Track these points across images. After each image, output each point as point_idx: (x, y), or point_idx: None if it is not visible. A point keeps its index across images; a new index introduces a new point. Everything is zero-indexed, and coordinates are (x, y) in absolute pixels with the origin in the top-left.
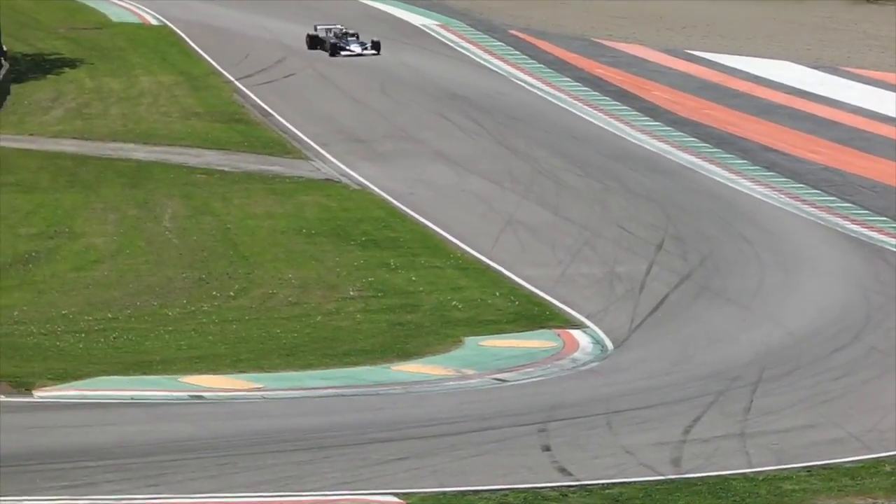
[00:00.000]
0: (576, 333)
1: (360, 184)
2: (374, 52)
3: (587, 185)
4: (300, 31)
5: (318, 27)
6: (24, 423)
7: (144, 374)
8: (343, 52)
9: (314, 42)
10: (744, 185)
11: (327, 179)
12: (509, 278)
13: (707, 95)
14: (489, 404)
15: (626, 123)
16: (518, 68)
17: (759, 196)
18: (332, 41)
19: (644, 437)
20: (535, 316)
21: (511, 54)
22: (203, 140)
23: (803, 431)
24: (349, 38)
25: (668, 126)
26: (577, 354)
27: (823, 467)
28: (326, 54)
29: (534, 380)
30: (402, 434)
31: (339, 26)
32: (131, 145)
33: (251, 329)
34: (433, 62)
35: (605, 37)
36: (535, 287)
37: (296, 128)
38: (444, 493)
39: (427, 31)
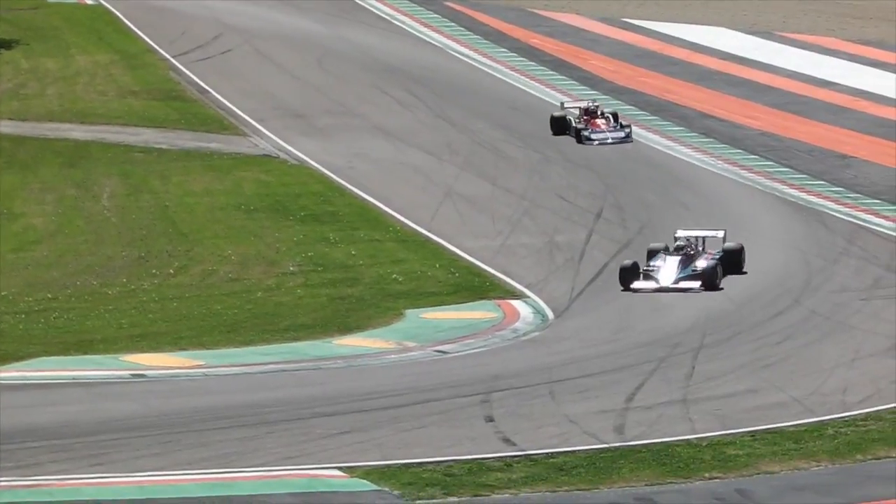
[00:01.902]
0: (516, 304)
1: (298, 159)
2: (628, 137)
3: (525, 156)
4: (236, 8)
5: (566, 106)
6: None
7: (85, 353)
8: (593, 140)
9: (559, 127)
10: (682, 152)
11: (265, 155)
12: (449, 250)
13: (644, 63)
14: (431, 376)
15: (564, 93)
16: (454, 40)
17: (697, 163)
18: (577, 126)
19: (587, 405)
20: (475, 287)
21: (447, 26)
22: (140, 118)
23: (746, 396)
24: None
25: (606, 95)
26: (518, 325)
27: (767, 431)
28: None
29: (475, 351)
30: (345, 408)
31: (592, 103)
32: (68, 125)
33: (192, 306)
34: (370, 36)
35: (541, 7)
36: (475, 258)
37: (233, 104)
38: (388, 466)
39: (363, 4)
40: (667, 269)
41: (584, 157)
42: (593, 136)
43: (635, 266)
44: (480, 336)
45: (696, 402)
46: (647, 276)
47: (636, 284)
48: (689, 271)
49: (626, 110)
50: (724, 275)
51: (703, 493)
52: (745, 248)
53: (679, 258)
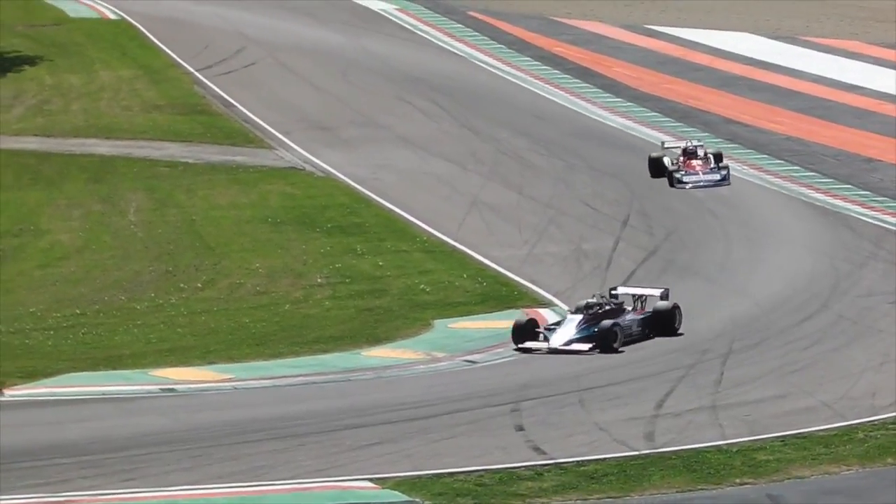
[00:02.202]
0: (544, 312)
1: (323, 171)
2: (724, 180)
3: (551, 164)
4: (259, 21)
5: (667, 146)
6: None
7: (114, 368)
8: (685, 184)
9: (656, 169)
10: None
11: (291, 167)
12: (476, 259)
13: (668, 70)
14: (460, 386)
15: (588, 101)
16: (478, 49)
17: None
18: (672, 168)
19: (616, 413)
20: (503, 296)
21: (471, 36)
22: (165, 133)
23: (775, 401)
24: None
25: (630, 102)
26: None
27: (796, 436)
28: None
29: (504, 360)
30: (375, 419)
31: (691, 143)
32: (93, 140)
33: (220, 320)
34: (393, 46)
35: (564, 15)
36: (503, 267)
37: (258, 117)
38: (419, 477)
39: (386, 15)
40: (563, 329)
41: (610, 164)
42: (685, 179)
43: (531, 324)
44: (509, 345)
45: (726, 409)
46: (543, 337)
47: (528, 344)
48: (588, 332)
49: (651, 117)
50: (652, 336)
51: (734, 499)
52: (680, 310)
53: (580, 317)
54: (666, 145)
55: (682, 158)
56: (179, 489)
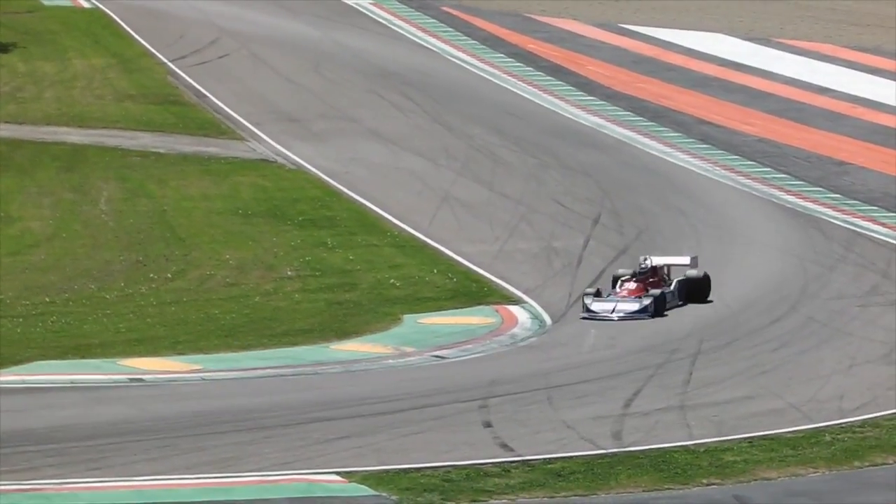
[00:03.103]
0: (514, 309)
1: (295, 163)
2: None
3: (523, 161)
4: (233, 12)
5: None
6: None
7: (83, 357)
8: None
9: None
10: (679, 158)
11: (263, 160)
12: (447, 255)
13: (641, 69)
14: (429, 381)
15: (561, 98)
16: (451, 45)
17: (694, 169)
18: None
19: (584, 411)
20: (473, 292)
21: (444, 31)
22: (138, 122)
23: (743, 402)
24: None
25: (603, 100)
26: (515, 330)
27: (764, 438)
28: None
29: (473, 356)
30: (343, 413)
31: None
32: (65, 129)
33: (189, 311)
34: (367, 40)
35: (538, 12)
36: (473, 263)
37: (230, 108)
38: (386, 471)
39: (360, 9)
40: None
41: (582, 162)
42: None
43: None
44: (478, 341)
45: (694, 409)
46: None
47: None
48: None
49: (623, 116)
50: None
51: (701, 499)
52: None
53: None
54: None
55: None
56: (145, 479)
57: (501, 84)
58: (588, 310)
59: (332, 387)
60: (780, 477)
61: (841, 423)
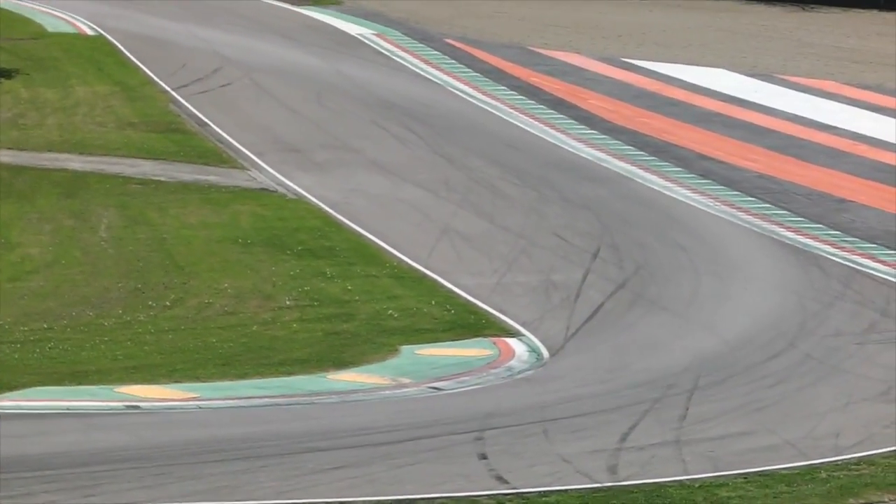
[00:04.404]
0: (512, 342)
1: (295, 193)
2: None
3: (523, 194)
4: (236, 42)
5: None
6: None
7: (80, 384)
8: None
9: None
10: (680, 193)
11: (263, 189)
12: (445, 287)
13: (643, 104)
14: (425, 413)
15: (563, 132)
16: (454, 77)
17: (694, 204)
18: None
19: (580, 444)
20: (471, 324)
21: (447, 63)
22: (139, 150)
23: (739, 438)
24: None
25: (605, 134)
26: (512, 363)
27: (759, 474)
28: None
29: (470, 388)
30: (339, 443)
31: None
32: (67, 155)
33: (187, 339)
34: (369, 71)
35: (541, 45)
36: (471, 296)
37: (232, 137)
38: (380, 502)
39: (363, 40)
40: None
41: (582, 196)
42: None
43: None
44: (475, 373)
45: (689, 444)
46: None
47: None
48: None
49: (625, 150)
50: None
51: None
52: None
53: None
54: None
55: None
56: None
57: (503, 116)
58: None
59: (329, 417)
60: None
61: (837, 461)
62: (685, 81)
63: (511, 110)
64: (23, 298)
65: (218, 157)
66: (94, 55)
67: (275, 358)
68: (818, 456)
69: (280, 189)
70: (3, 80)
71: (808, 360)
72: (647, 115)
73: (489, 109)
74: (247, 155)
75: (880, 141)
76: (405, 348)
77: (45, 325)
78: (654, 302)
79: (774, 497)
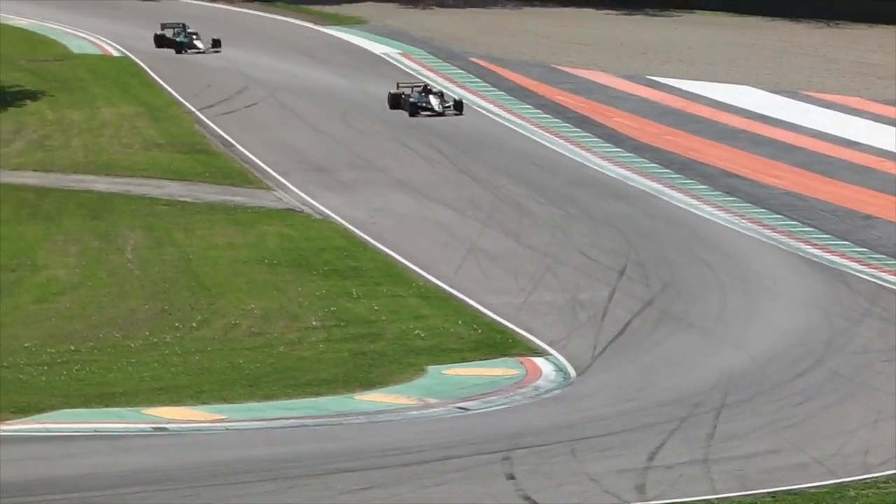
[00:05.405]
0: (538, 361)
1: (321, 213)
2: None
3: (549, 212)
4: (261, 62)
5: (401, 85)
6: None
7: (107, 406)
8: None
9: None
10: (705, 211)
11: (289, 209)
12: (472, 306)
13: (668, 121)
14: (452, 433)
15: (588, 150)
16: (479, 95)
17: (720, 221)
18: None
19: (608, 463)
20: (497, 344)
21: (472, 82)
22: (165, 171)
23: (767, 457)
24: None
25: (630, 152)
26: (540, 382)
27: (788, 493)
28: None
29: (497, 408)
30: (366, 464)
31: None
32: (92, 177)
33: (214, 360)
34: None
35: (566, 63)
36: (498, 315)
37: (257, 158)
38: None
39: (388, 59)
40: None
41: (608, 214)
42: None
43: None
44: (502, 393)
45: (718, 462)
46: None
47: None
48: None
49: (650, 168)
50: None
51: None
52: None
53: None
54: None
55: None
56: None
57: (528, 135)
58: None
59: (356, 437)
60: None
61: (865, 479)
62: (710, 98)
63: (536, 128)
64: (49, 320)
65: (244, 177)
66: (120, 76)
67: (302, 378)
68: (847, 474)
69: (306, 209)
70: (28, 101)
71: (836, 378)
72: (672, 132)
73: (514, 128)
74: (272, 175)
75: None
76: (432, 368)
77: (72, 347)
78: (680, 319)
79: None
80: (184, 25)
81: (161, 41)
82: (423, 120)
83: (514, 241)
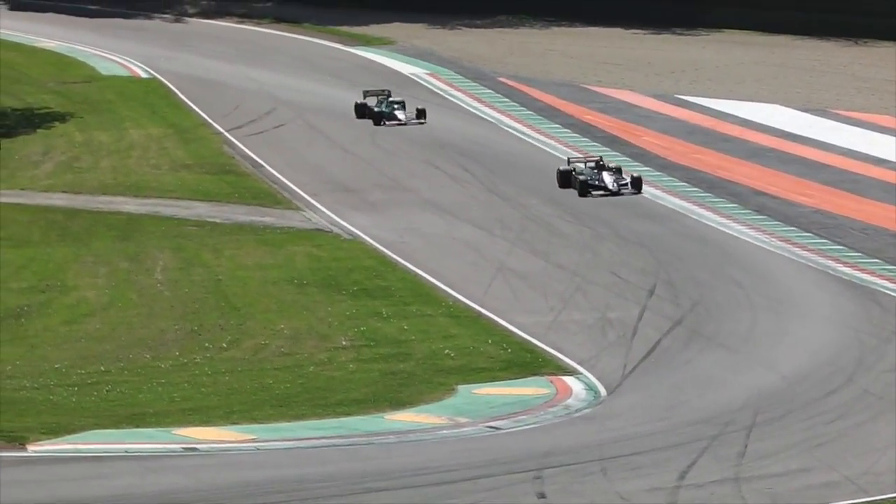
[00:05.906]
0: (569, 380)
1: (350, 233)
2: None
3: (578, 232)
4: (289, 83)
5: (368, 95)
6: (18, 478)
7: (137, 426)
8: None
9: (362, 111)
10: (735, 229)
11: (318, 229)
12: (501, 326)
13: (697, 140)
14: (483, 452)
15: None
16: (508, 115)
17: (750, 240)
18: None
19: (639, 483)
20: (527, 363)
21: (500, 101)
22: (193, 192)
23: (798, 475)
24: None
25: (659, 171)
26: (570, 401)
27: None
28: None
29: (527, 427)
30: (397, 483)
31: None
32: (121, 198)
33: (243, 380)
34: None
35: (595, 83)
36: (527, 334)
37: (286, 178)
38: None
39: (417, 79)
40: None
41: (637, 233)
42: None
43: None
44: (532, 412)
45: (749, 481)
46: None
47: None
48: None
49: (679, 187)
50: None
51: None
52: None
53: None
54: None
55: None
56: None
57: (557, 154)
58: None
59: (386, 457)
60: None
61: None
62: (739, 117)
63: (565, 148)
64: (79, 341)
65: (272, 198)
66: (148, 97)
67: (332, 398)
68: (878, 492)
69: (335, 229)
70: (57, 123)
71: (867, 396)
72: (701, 151)
73: (543, 147)
74: (301, 196)
75: None
76: (462, 387)
77: (102, 368)
78: (710, 338)
79: None
80: (388, 93)
81: (362, 111)
82: (450, 140)
83: (544, 260)
